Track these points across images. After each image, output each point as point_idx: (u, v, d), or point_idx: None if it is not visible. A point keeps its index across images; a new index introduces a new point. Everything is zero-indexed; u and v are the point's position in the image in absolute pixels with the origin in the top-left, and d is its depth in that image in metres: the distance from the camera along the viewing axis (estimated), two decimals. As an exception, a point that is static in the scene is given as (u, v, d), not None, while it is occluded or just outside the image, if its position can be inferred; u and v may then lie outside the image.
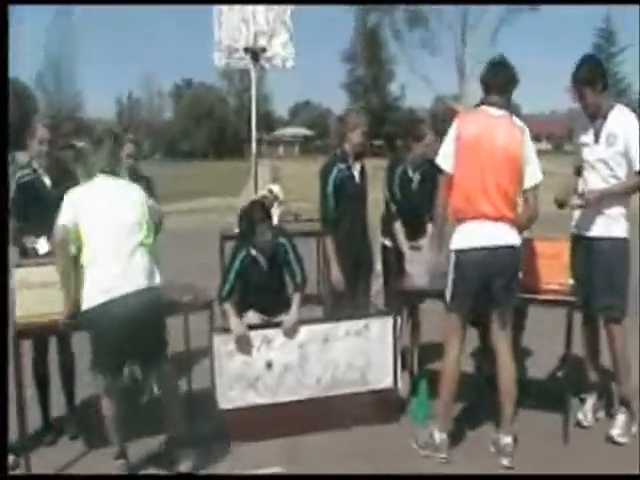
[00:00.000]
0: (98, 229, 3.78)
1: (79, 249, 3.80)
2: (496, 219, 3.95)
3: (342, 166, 5.09)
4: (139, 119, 76.79)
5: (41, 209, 4.26)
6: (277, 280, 4.78)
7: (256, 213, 4.61)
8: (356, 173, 5.15)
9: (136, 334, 3.75)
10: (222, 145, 71.10)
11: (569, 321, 4.19)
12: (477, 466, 4.03)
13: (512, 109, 4.53)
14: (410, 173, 5.16)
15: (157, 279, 3.91)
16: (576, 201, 4.34)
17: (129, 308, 3.70)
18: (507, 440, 4.05)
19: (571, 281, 4.29)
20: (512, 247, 3.97)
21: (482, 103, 4.08)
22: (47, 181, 4.47)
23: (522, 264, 4.27)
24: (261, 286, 4.70)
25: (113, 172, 3.98)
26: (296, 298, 4.65)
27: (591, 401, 4.57)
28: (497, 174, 3.93)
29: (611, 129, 4.26)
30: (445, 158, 4.09)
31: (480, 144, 3.95)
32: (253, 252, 4.64)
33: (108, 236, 3.76)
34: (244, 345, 4.38)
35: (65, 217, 3.78)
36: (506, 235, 3.97)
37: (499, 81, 4.07)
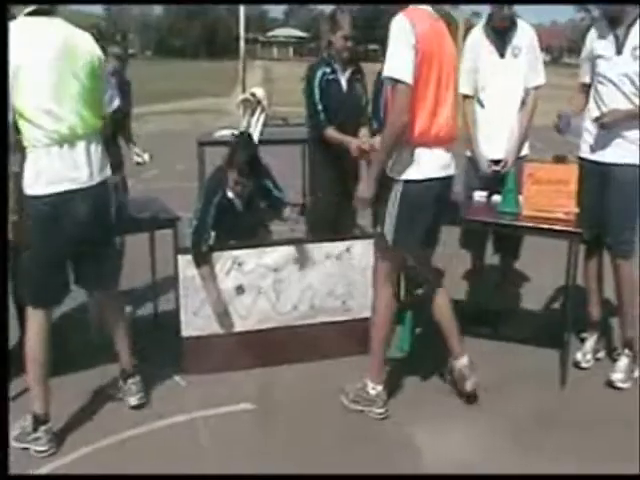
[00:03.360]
0: (42, 100, 3.08)
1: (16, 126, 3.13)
2: (449, 144, 3.48)
3: (327, 70, 4.55)
4: (128, 14, 74.42)
5: None
6: (252, 219, 4.25)
7: (239, 154, 4.04)
8: (343, 79, 4.59)
9: (88, 237, 3.29)
10: (214, 44, 69.42)
11: (572, 253, 3.80)
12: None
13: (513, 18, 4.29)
14: None
15: (108, 172, 3.39)
16: (596, 121, 3.84)
17: (83, 204, 3.19)
18: (463, 362, 3.72)
19: (576, 210, 3.85)
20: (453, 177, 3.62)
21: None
22: None
23: (520, 187, 3.95)
24: (234, 228, 4.16)
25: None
26: (287, 211, 4.22)
27: (592, 341, 4.22)
28: (450, 89, 3.43)
29: (636, 41, 3.74)
30: (406, 65, 3.26)
31: (433, 50, 3.32)
32: (230, 194, 4.09)
33: (54, 109, 3.09)
34: (214, 261, 3.97)
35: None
36: (453, 163, 3.56)
37: None
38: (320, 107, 4.55)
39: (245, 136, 4.65)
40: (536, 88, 4.35)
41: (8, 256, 3.19)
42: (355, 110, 4.66)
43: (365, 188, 3.43)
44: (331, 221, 4.68)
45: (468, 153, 4.50)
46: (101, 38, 4.31)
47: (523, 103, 4.34)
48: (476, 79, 4.38)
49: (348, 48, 4.51)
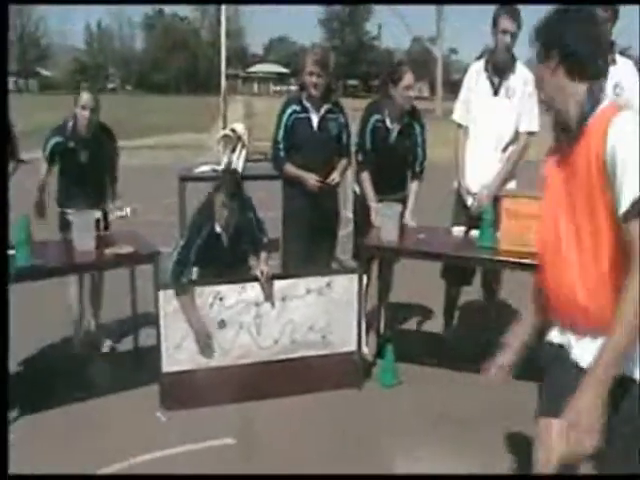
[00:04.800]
0: None
1: None
2: None
3: (297, 108, 4.60)
4: (109, 49, 74.76)
5: None
6: (237, 255, 4.27)
7: (226, 188, 4.08)
8: (315, 118, 4.60)
9: None
10: (195, 79, 69.87)
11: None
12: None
13: None
14: (388, 123, 4.58)
15: None
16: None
17: None
18: None
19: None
20: None
21: None
22: None
23: (497, 223, 4.01)
24: (217, 263, 4.20)
25: None
26: (263, 256, 4.22)
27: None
28: None
29: (617, 79, 3.85)
30: None
31: None
32: (217, 229, 4.13)
33: None
34: (195, 296, 3.97)
35: None
36: None
37: None
38: (281, 144, 4.62)
39: (231, 169, 4.75)
40: (528, 133, 4.44)
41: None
42: (327, 148, 4.65)
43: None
44: (305, 255, 4.71)
45: (455, 185, 4.58)
46: (82, 71, 4.43)
47: (511, 143, 4.44)
48: (469, 110, 4.49)
49: (315, 85, 4.48)
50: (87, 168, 4.49)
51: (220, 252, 4.17)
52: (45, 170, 4.47)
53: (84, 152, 4.46)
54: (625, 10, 4.02)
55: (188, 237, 4.09)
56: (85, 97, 4.40)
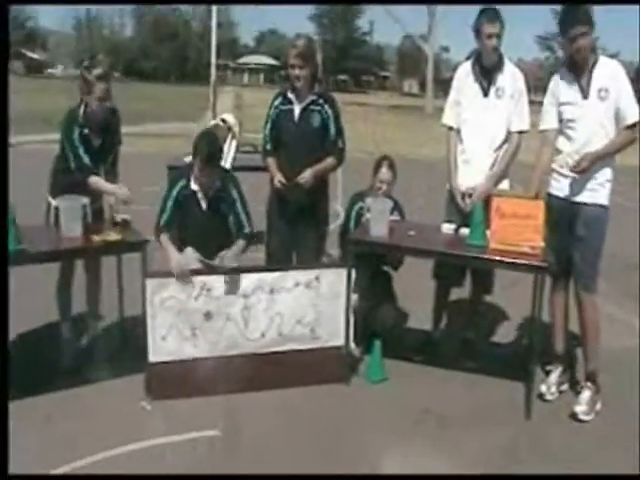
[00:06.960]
0: None
1: None
2: None
3: (282, 100, 4.60)
4: (98, 35, 74.18)
5: None
6: (217, 224, 4.27)
7: (205, 146, 4.13)
8: (297, 110, 4.53)
9: None
10: (185, 69, 69.59)
11: (538, 286, 3.85)
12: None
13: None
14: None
15: None
16: (572, 169, 3.93)
17: None
18: None
19: (542, 244, 3.91)
20: None
21: None
22: None
23: (488, 222, 3.99)
24: (199, 226, 4.23)
25: None
26: (240, 243, 4.24)
27: (556, 373, 4.27)
28: None
29: (601, 83, 3.88)
30: None
31: None
32: (194, 186, 4.20)
33: None
34: (183, 286, 3.94)
35: None
36: None
37: None
38: (267, 136, 4.64)
39: (209, 132, 4.78)
40: (520, 132, 4.43)
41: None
42: (308, 140, 4.54)
43: None
44: (288, 247, 4.70)
45: (447, 186, 4.57)
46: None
47: (504, 143, 4.43)
48: (459, 113, 4.47)
49: (297, 77, 4.42)
50: (99, 153, 4.34)
51: (198, 214, 4.25)
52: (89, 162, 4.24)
53: (97, 138, 4.31)
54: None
55: (166, 190, 4.29)
56: (101, 88, 4.17)
